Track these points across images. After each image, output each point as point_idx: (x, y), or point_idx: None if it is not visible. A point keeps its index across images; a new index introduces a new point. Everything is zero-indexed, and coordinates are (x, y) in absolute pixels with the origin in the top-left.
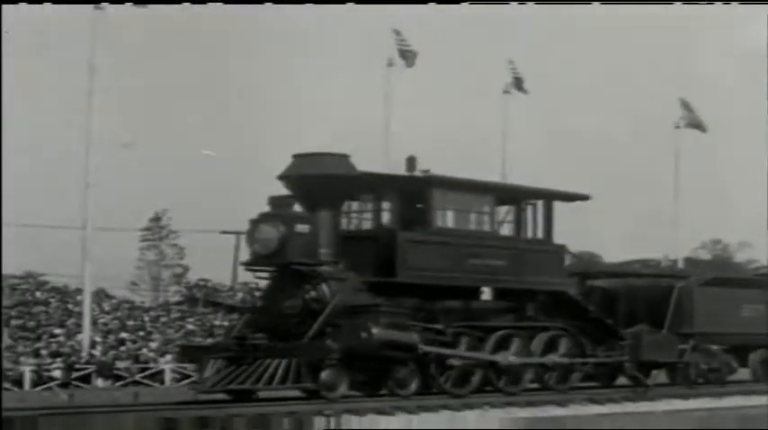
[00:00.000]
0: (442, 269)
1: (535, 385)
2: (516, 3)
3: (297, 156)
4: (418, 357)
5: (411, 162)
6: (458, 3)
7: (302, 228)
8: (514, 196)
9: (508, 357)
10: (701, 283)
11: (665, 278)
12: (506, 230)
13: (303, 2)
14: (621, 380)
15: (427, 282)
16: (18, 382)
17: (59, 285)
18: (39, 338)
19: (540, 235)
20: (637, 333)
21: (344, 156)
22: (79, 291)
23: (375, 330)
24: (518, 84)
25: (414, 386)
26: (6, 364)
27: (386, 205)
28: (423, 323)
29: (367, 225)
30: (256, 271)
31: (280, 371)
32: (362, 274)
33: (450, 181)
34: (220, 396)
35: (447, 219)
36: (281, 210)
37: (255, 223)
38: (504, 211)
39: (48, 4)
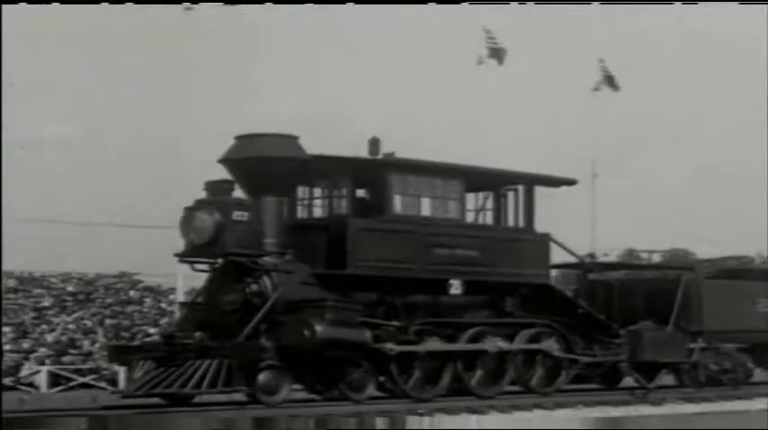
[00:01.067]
0: (400, 260)
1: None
2: (516, 3)
3: (239, 138)
4: (376, 357)
5: (374, 145)
6: (458, 3)
7: (240, 215)
8: (491, 181)
9: (496, 343)
10: (710, 275)
11: (673, 270)
12: (487, 218)
13: (303, 2)
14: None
15: (381, 274)
16: (113, 382)
17: (153, 284)
18: (133, 337)
19: (520, 223)
20: (635, 330)
21: (292, 138)
22: (172, 290)
23: (318, 327)
24: (609, 81)
25: (370, 389)
26: (102, 363)
27: (341, 191)
28: (381, 320)
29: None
30: (191, 262)
31: (209, 374)
32: (314, 267)
33: (410, 163)
34: None
35: (408, 205)
36: (218, 197)
37: (189, 211)
38: (482, 198)
39: None
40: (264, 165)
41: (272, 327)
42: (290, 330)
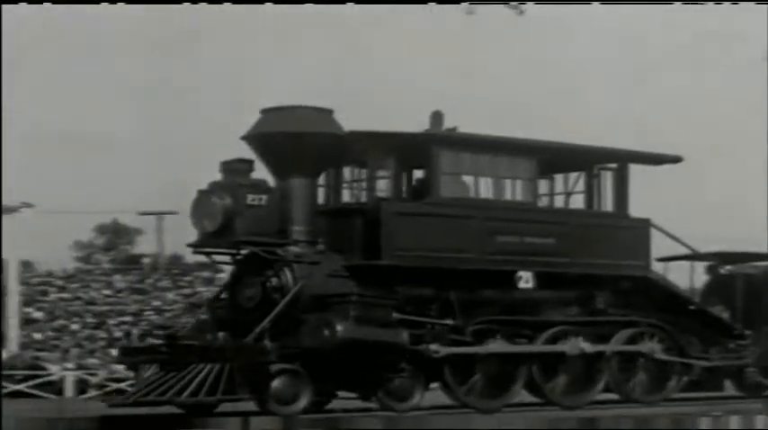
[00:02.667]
0: (450, 249)
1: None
2: (516, 2)
3: (264, 111)
4: (424, 361)
5: (436, 119)
6: (458, 2)
7: (256, 199)
8: (577, 159)
9: (578, 345)
10: None
11: None
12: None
13: (303, 2)
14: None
15: (423, 265)
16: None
17: None
18: None
19: (611, 207)
20: None
21: (326, 111)
22: None
23: (340, 327)
24: None
25: (417, 397)
26: None
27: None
28: (428, 318)
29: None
30: (204, 253)
31: (209, 380)
32: (350, 258)
33: (463, 139)
34: None
35: (461, 187)
36: (233, 178)
37: (200, 194)
38: (573, 179)
39: None
40: (292, 142)
41: (293, 327)
42: (310, 330)
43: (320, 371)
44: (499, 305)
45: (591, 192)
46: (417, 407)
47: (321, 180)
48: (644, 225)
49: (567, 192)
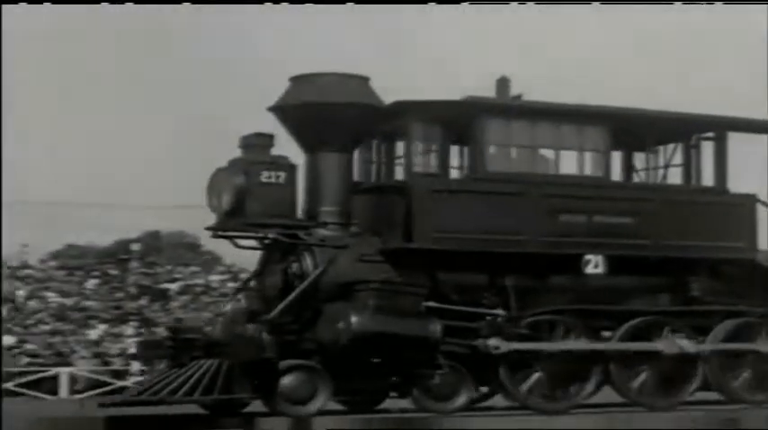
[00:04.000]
0: (499, 230)
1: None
2: (516, 3)
3: (293, 79)
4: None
5: (503, 85)
6: (458, 2)
7: (272, 176)
8: (667, 128)
9: (677, 342)
10: None
11: None
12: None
13: (303, 2)
14: None
15: (460, 249)
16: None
17: None
18: None
19: (707, 181)
20: None
21: (361, 79)
22: None
23: (354, 318)
24: None
25: (463, 397)
26: None
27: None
28: (479, 308)
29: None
30: (224, 237)
31: (206, 377)
32: (388, 242)
33: (513, 106)
34: None
35: (513, 160)
36: (251, 153)
37: (215, 173)
38: (669, 151)
39: None
40: (321, 114)
41: (314, 318)
42: (327, 322)
43: (341, 367)
44: (564, 293)
45: (689, 165)
46: (462, 408)
47: (374, 155)
48: (748, 201)
49: (665, 166)
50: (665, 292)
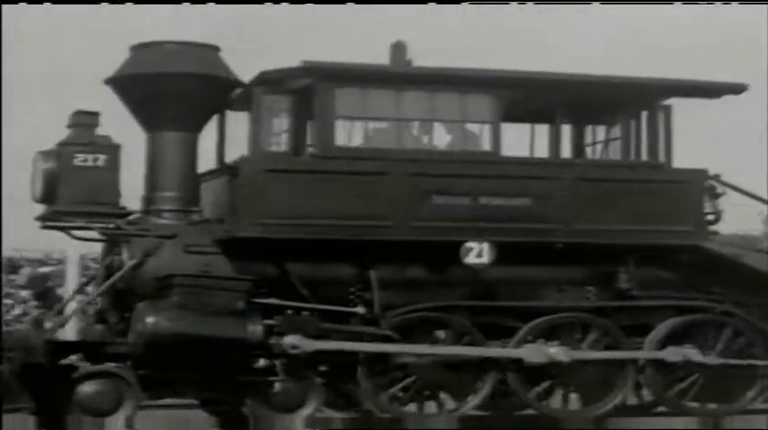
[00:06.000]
0: (348, 215)
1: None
2: (516, 3)
3: (134, 48)
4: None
5: (398, 50)
6: (458, 2)
7: (87, 159)
8: (596, 94)
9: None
10: None
11: None
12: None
13: (303, 2)
14: None
15: (295, 237)
16: None
17: None
18: None
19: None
20: None
21: (211, 48)
22: None
23: (150, 319)
24: None
25: (309, 408)
26: None
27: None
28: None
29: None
30: (57, 228)
31: None
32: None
33: (375, 72)
34: None
35: (377, 134)
36: (73, 133)
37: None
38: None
39: None
40: (159, 87)
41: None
42: (133, 322)
43: (149, 372)
44: (448, 288)
45: (628, 138)
46: (311, 418)
47: None
48: (696, 178)
49: (605, 140)
50: (592, 286)
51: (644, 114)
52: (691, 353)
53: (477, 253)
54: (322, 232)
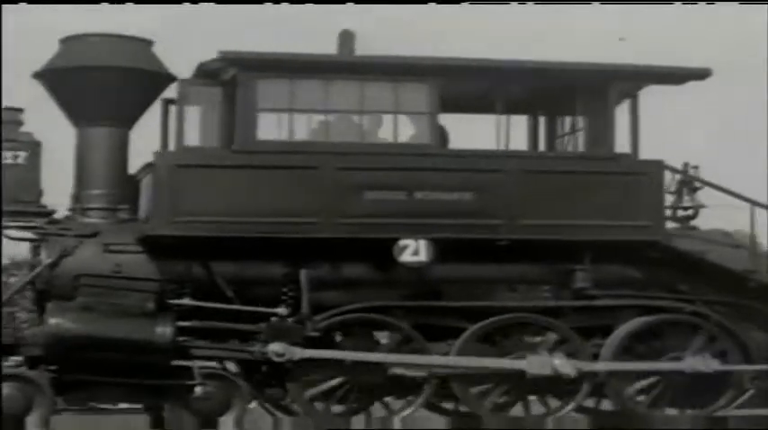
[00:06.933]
0: (271, 211)
1: None
2: (516, 3)
3: (63, 41)
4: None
5: (345, 39)
6: (458, 3)
7: (8, 157)
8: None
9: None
10: None
11: None
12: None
13: (304, 2)
14: None
15: (211, 235)
16: None
17: None
18: None
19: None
20: None
21: (142, 42)
22: None
23: (52, 320)
24: None
25: (236, 412)
26: None
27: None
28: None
29: None
30: None
31: None
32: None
33: (300, 61)
34: None
35: (302, 126)
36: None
37: None
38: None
39: None
40: (86, 80)
41: None
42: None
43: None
44: (387, 288)
45: (592, 129)
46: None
47: None
48: (654, 170)
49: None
50: (549, 285)
51: (601, 103)
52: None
53: (413, 251)
54: (241, 230)
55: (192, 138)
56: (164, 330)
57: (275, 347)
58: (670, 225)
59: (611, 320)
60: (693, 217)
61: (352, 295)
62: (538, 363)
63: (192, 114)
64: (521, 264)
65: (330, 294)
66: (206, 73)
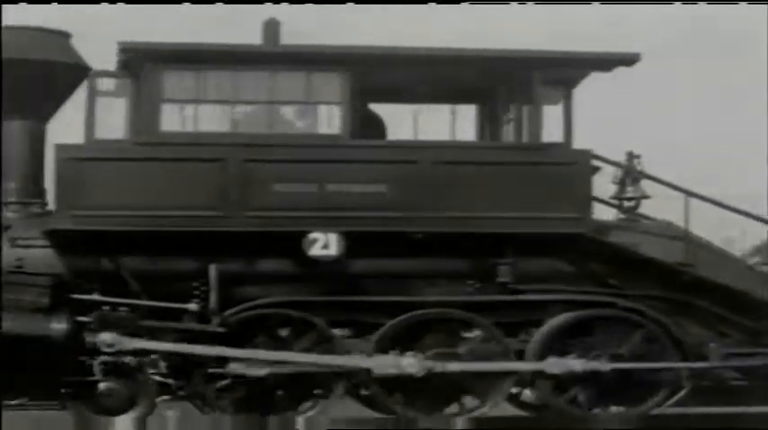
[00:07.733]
0: (176, 205)
1: None
2: (516, 3)
3: None
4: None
5: (270, 28)
6: (458, 3)
7: None
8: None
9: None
10: None
11: None
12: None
13: (304, 2)
14: None
15: (111, 229)
16: None
17: None
18: None
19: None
20: None
21: (58, 34)
22: None
23: None
24: None
25: (141, 409)
26: None
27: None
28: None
29: None
30: None
31: None
32: None
33: (205, 51)
34: None
35: (208, 117)
36: None
37: None
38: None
39: None
40: (2, 73)
41: None
42: None
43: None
44: (298, 282)
45: (520, 119)
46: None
47: None
48: (581, 160)
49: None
50: (473, 280)
51: (527, 91)
52: (574, 363)
53: (323, 244)
54: (143, 223)
55: (118, 130)
56: (59, 326)
57: (105, 337)
58: (617, 216)
59: (541, 316)
60: (636, 207)
61: (268, 290)
62: (384, 363)
63: (120, 106)
64: (442, 259)
65: (246, 289)
66: (123, 64)
